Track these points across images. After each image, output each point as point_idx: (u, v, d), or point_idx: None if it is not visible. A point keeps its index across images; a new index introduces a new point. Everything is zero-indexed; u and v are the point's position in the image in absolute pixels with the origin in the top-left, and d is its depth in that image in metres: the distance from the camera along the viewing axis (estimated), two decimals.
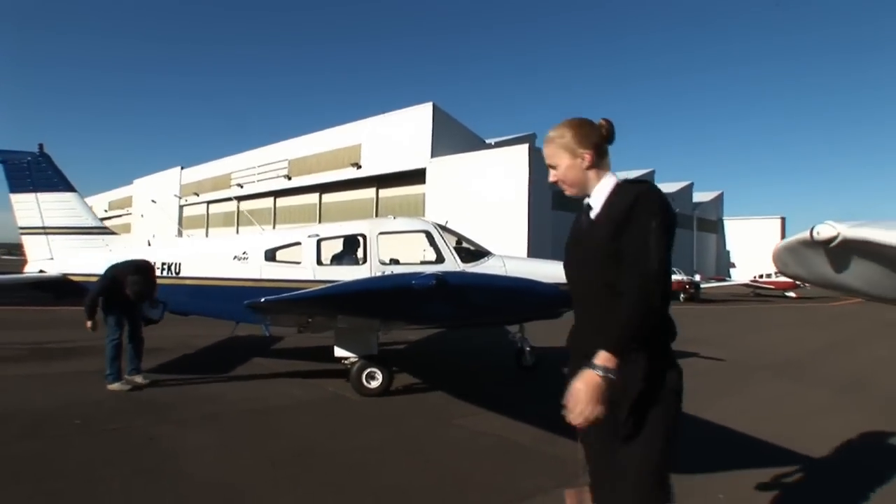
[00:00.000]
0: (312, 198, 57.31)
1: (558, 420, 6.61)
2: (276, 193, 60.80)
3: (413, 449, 6.10)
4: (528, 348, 10.82)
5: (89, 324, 8.06)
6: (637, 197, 2.57)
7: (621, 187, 2.71)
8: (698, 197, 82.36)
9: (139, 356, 8.48)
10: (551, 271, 10.24)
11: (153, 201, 65.16)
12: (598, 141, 2.77)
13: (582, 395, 2.49)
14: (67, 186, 10.40)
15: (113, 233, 10.71)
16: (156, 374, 8.93)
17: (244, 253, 9.41)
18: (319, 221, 54.18)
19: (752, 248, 79.72)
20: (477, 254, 10.24)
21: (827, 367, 12.82)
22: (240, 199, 65.87)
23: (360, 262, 9.52)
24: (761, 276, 47.05)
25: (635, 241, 2.50)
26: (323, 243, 9.59)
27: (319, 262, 9.47)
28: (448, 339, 14.19)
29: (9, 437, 5.89)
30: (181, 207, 74.15)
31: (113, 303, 8.18)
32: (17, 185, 10.25)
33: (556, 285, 8.95)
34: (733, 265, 64.17)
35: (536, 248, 34.62)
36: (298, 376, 9.42)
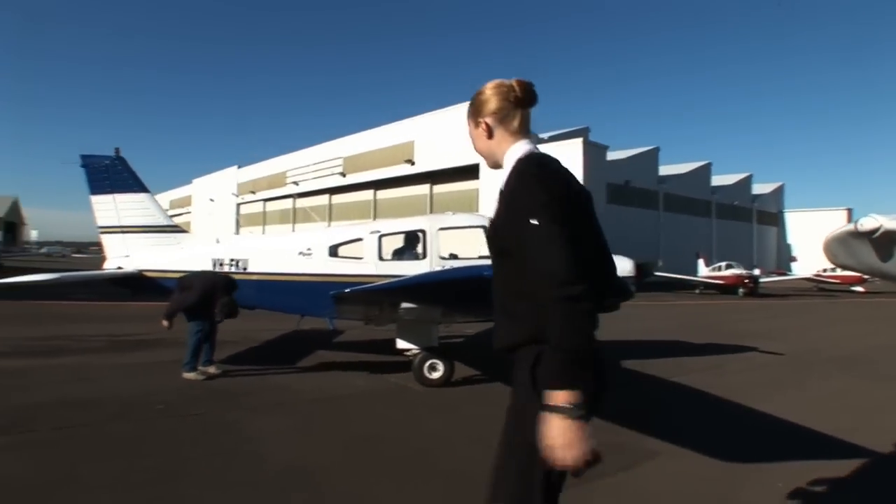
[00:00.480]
0: (367, 194, 58.07)
1: (619, 410, 6.78)
2: (332, 190, 61.83)
3: (476, 436, 6.31)
4: None
5: (166, 323, 8.57)
6: (515, 178, 2.25)
7: (517, 163, 2.32)
8: (758, 189, 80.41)
9: (213, 348, 8.95)
10: None
11: (211, 200, 67.15)
12: (500, 105, 2.42)
13: (559, 445, 2.01)
14: (142, 187, 10.93)
15: (184, 231, 11.22)
16: (227, 365, 9.38)
17: (308, 249, 9.75)
18: (374, 218, 54.90)
19: (816, 242, 77.01)
20: None
21: (894, 363, 12.56)
22: (296, 196, 67.13)
23: (420, 257, 9.77)
24: (825, 271, 45.74)
25: (520, 239, 2.13)
26: (384, 239, 9.88)
27: (381, 258, 9.76)
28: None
29: (102, 419, 6.37)
30: (238, 205, 75.91)
31: (199, 310, 8.67)
32: (97, 187, 10.81)
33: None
34: (795, 259, 62.35)
35: None
36: (361, 368, 9.75)
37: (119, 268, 10.59)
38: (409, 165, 51.06)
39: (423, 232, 9.87)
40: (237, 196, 75.10)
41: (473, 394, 8.35)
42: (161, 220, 10.92)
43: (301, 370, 9.52)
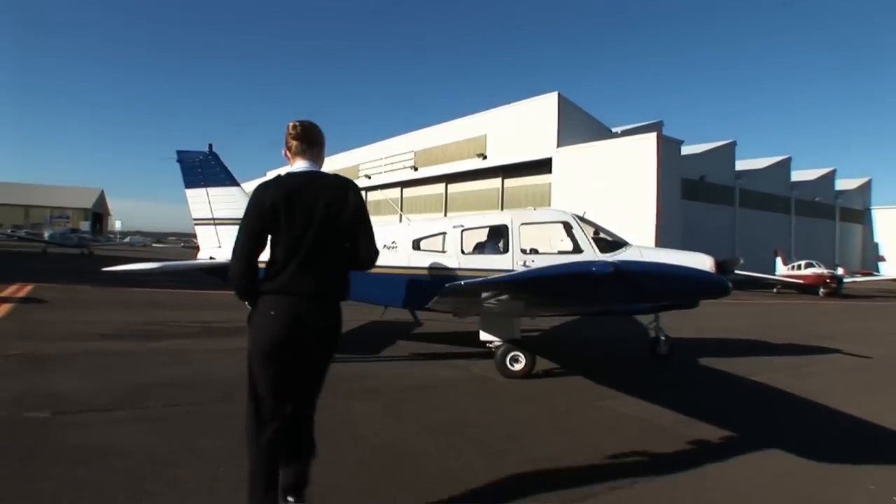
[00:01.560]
0: (439, 188, 58.57)
1: (699, 406, 6.83)
2: (403, 184, 62.59)
3: (561, 425, 6.48)
4: (662, 338, 10.95)
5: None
6: None
7: None
8: (842, 185, 77.31)
9: None
10: (688, 261, 10.30)
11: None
12: (286, 138, 3.75)
13: None
14: (233, 181, 11.44)
15: None
16: None
17: (393, 242, 10.04)
18: (445, 212, 55.37)
19: None
20: (614, 244, 10.44)
21: None
22: (368, 189, 68.20)
23: (502, 252, 9.95)
24: None
25: None
26: (466, 233, 10.09)
27: (463, 251, 9.98)
28: (580, 328, 14.45)
29: (209, 399, 6.84)
30: None
31: None
32: (191, 181, 11.37)
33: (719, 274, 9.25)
34: (883, 258, 59.81)
35: (666, 239, 34.00)
36: (443, 358, 10.04)
37: (212, 258, 11.13)
38: (480, 159, 51.21)
39: (506, 227, 10.04)
40: None
41: (554, 385, 8.50)
42: None
43: (385, 359, 9.86)
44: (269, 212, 3.45)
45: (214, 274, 11.30)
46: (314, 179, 3.62)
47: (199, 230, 11.53)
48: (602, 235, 10.62)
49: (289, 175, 3.63)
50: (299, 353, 3.52)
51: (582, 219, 10.42)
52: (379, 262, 9.87)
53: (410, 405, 7.03)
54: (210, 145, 11.40)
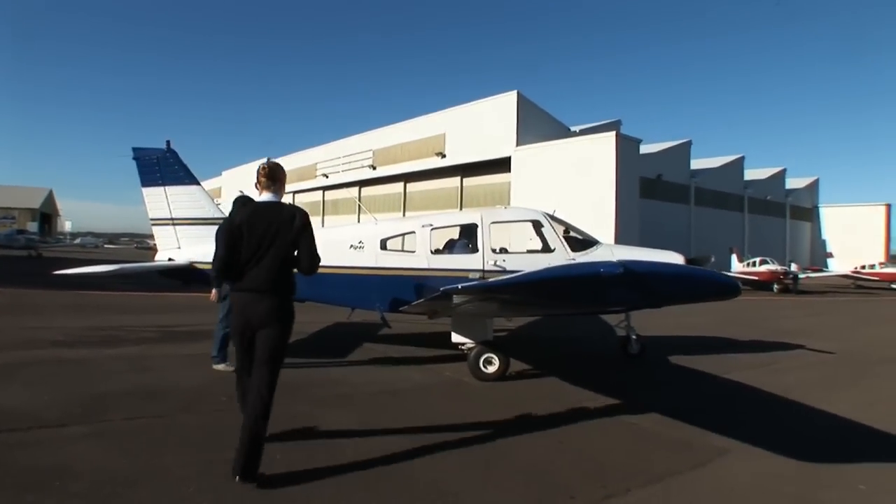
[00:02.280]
0: (397, 187, 58.17)
1: (678, 406, 6.70)
2: (362, 183, 62.01)
3: (545, 431, 6.27)
4: (634, 336, 10.85)
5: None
6: None
7: None
8: (791, 183, 79.33)
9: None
10: (662, 259, 10.21)
11: (241, 192, 67.25)
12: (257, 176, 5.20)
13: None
14: (192, 180, 11.00)
15: None
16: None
17: (360, 242, 9.74)
18: (404, 211, 55.02)
19: (853, 238, 75.91)
20: (585, 242, 10.31)
21: None
22: (325, 189, 67.44)
23: (473, 251, 9.73)
24: (864, 267, 44.89)
25: None
26: (436, 232, 9.84)
27: (433, 251, 9.73)
28: (546, 328, 14.33)
29: (172, 410, 6.41)
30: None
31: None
32: (148, 179, 10.90)
33: (728, 275, 9.10)
34: (830, 255, 61.37)
35: (624, 238, 34.21)
36: (413, 362, 9.75)
37: (170, 259, 10.68)
38: (439, 158, 51.03)
39: (476, 226, 9.82)
40: None
41: (530, 388, 8.31)
42: (211, 213, 10.98)
43: (354, 363, 9.53)
44: (237, 229, 4.84)
45: (174, 276, 10.84)
46: (271, 207, 4.98)
47: (156, 230, 11.05)
48: (572, 234, 10.48)
49: (255, 203, 5.13)
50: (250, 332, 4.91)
51: (552, 217, 10.26)
52: (345, 262, 9.63)
53: (385, 413, 6.73)
54: (168, 142, 10.95)
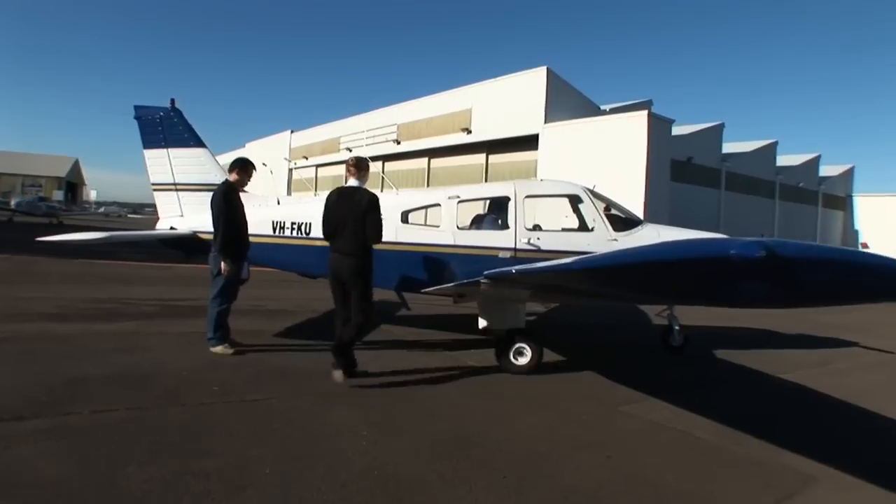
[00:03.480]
0: (421, 162, 57.04)
1: (738, 414, 5.62)
2: (385, 158, 60.94)
3: (588, 441, 5.30)
4: (676, 327, 9.77)
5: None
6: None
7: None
8: (825, 171, 77.07)
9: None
10: None
11: (264, 164, 66.58)
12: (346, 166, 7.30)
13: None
14: (198, 142, 10.07)
15: (243, 190, 10.26)
16: (285, 339, 8.54)
17: None
18: (427, 186, 53.94)
19: (886, 228, 73.71)
20: (629, 222, 9.26)
21: None
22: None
23: (504, 227, 8.72)
24: None
25: None
26: (463, 205, 8.83)
27: (459, 227, 8.74)
28: (575, 311, 13.32)
29: (151, 402, 5.50)
30: (290, 171, 75.74)
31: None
32: (150, 141, 9.99)
33: None
34: (866, 245, 59.42)
35: (653, 221, 32.85)
36: (434, 347, 8.78)
37: (172, 228, 9.78)
38: (465, 134, 49.73)
39: (509, 199, 8.79)
40: (290, 161, 74.84)
41: (565, 384, 7.31)
42: (217, 178, 10.04)
43: (369, 347, 8.56)
44: (326, 206, 6.92)
45: (176, 246, 9.95)
46: (351, 191, 6.93)
47: (158, 197, 10.15)
48: (614, 212, 9.42)
49: (341, 187, 7.06)
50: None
51: (593, 193, 9.21)
52: None
53: (400, 412, 5.78)
54: (172, 100, 10.01)
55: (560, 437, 5.35)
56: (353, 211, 6.63)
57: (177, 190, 10.00)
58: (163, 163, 9.96)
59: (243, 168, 8.22)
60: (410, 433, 5.15)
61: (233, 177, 8.15)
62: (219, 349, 7.61)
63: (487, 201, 9.24)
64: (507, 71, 48.36)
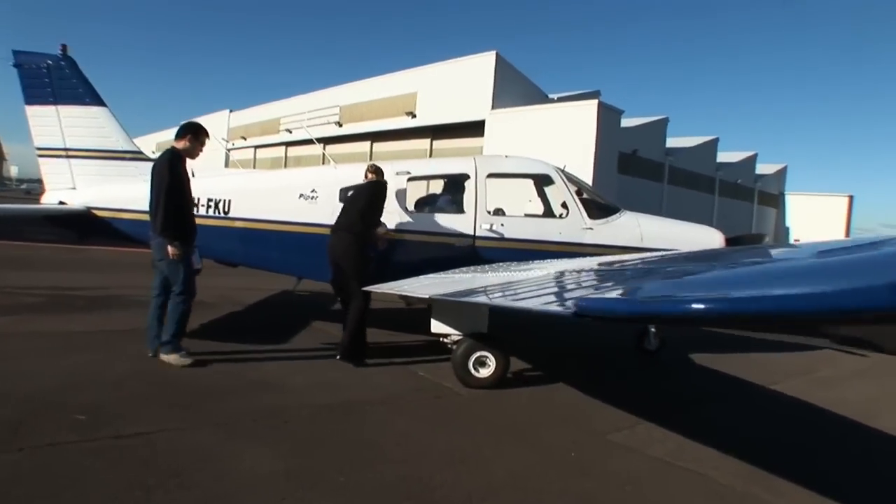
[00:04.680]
0: (364, 146, 55.31)
1: (743, 437, 4.27)
2: (327, 140, 58.86)
3: (578, 488, 3.96)
4: (652, 329, 8.55)
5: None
6: None
7: None
8: (761, 169, 78.55)
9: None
10: (697, 236, 8.02)
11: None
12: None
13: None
14: (96, 99, 8.37)
15: (148, 159, 8.57)
16: (198, 340, 6.94)
17: (313, 191, 7.32)
18: None
19: (815, 226, 75.55)
20: (605, 208, 8.02)
21: None
22: (288, 144, 64.57)
23: (460, 210, 7.35)
24: None
25: None
26: (413, 184, 7.43)
27: (408, 208, 7.33)
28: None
29: None
30: (228, 151, 72.89)
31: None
32: (35, 96, 8.25)
33: None
34: (798, 241, 60.58)
35: None
36: (377, 354, 7.23)
37: (61, 202, 8.08)
38: (409, 118, 48.26)
39: (467, 177, 7.43)
40: (227, 141, 71.91)
41: (538, 402, 5.97)
42: (120, 144, 8.38)
43: (298, 353, 7.05)
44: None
45: (65, 225, 8.24)
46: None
47: (44, 164, 8.41)
48: (587, 196, 8.16)
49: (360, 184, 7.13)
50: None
51: (565, 174, 7.92)
52: (293, 216, 7.01)
53: (332, 448, 4.33)
54: (63, 46, 8.28)
55: (541, 482, 4.00)
56: (356, 194, 6.90)
57: (68, 157, 8.30)
58: (51, 123, 8.24)
59: (195, 135, 6.48)
60: (344, 485, 3.72)
61: (181, 144, 6.39)
62: (173, 358, 6.03)
63: (443, 180, 7.85)
64: (454, 54, 47.25)
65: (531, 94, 45.91)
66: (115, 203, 7.92)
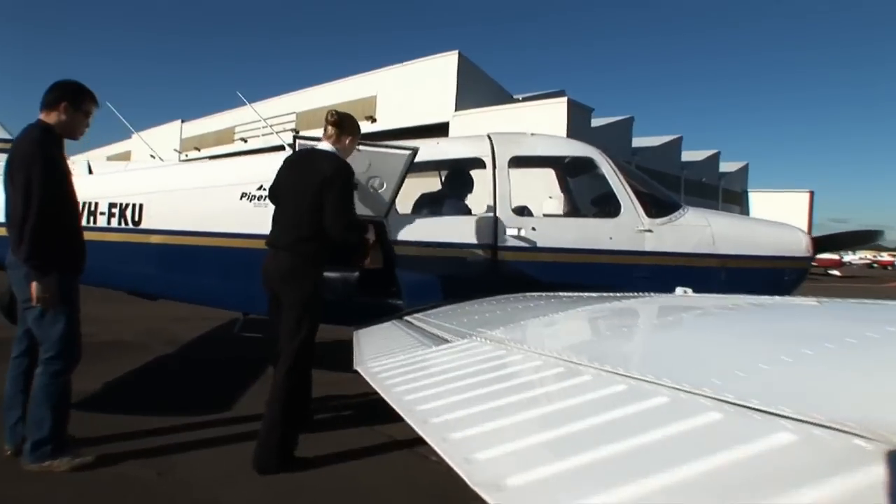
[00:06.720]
0: None
1: None
2: (284, 149, 56.80)
3: None
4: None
5: None
6: None
7: None
8: (724, 167, 79.36)
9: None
10: (780, 237, 6.03)
11: (152, 156, 60.90)
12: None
13: None
14: None
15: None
16: (110, 400, 4.63)
17: (261, 188, 5.08)
18: None
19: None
20: (664, 203, 5.92)
21: None
22: (244, 154, 62.20)
23: (473, 211, 5.21)
24: None
25: None
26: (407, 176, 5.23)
27: (399, 210, 5.15)
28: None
29: None
30: (181, 163, 70.34)
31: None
32: None
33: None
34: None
35: None
36: (328, 404, 5.01)
37: None
38: (369, 123, 46.43)
39: (482, 163, 5.27)
40: (181, 153, 69.33)
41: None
42: None
43: (244, 430, 4.76)
44: (275, 179, 4.47)
45: None
46: (314, 156, 4.33)
47: None
48: (639, 187, 6.05)
49: (302, 149, 4.75)
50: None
51: (612, 158, 5.82)
52: (232, 226, 4.83)
53: None
54: None
55: None
56: (305, 184, 4.08)
57: None
58: None
59: (75, 100, 3.98)
60: None
61: (54, 117, 3.90)
62: (55, 464, 3.69)
63: (448, 168, 5.68)
64: (414, 56, 46.01)
65: (496, 94, 44.66)
66: None
